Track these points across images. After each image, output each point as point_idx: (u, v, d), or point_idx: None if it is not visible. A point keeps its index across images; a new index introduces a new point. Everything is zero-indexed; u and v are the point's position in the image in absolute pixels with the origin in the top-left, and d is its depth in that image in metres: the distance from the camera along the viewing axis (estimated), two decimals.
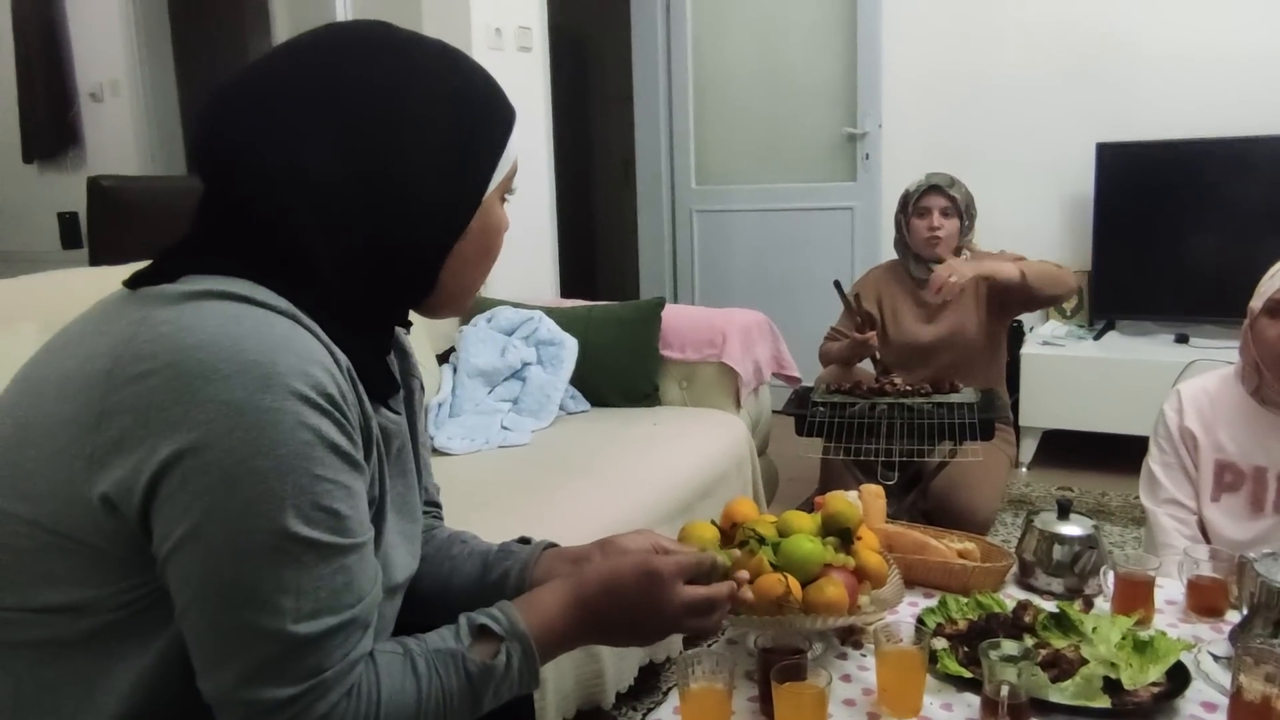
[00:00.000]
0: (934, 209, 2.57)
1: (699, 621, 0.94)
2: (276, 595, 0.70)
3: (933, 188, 2.58)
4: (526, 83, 3.35)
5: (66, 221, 4.31)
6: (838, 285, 2.62)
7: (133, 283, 0.77)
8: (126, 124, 4.34)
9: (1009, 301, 2.57)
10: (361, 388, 0.79)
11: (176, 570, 0.71)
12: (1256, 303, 1.66)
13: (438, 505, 1.16)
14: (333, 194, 0.77)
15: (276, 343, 0.71)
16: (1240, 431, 1.69)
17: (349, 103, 0.78)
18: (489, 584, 1.04)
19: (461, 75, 0.85)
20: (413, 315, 0.93)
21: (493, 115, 0.86)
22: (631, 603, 0.90)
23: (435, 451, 2.17)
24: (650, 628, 0.93)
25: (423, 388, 1.05)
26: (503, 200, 0.90)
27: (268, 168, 0.76)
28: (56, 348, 0.78)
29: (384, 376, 0.87)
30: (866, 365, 2.72)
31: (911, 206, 2.61)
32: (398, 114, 0.79)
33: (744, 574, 1.02)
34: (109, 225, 2.39)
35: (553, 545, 1.09)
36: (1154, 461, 1.80)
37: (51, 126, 4.53)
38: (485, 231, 0.87)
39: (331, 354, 0.75)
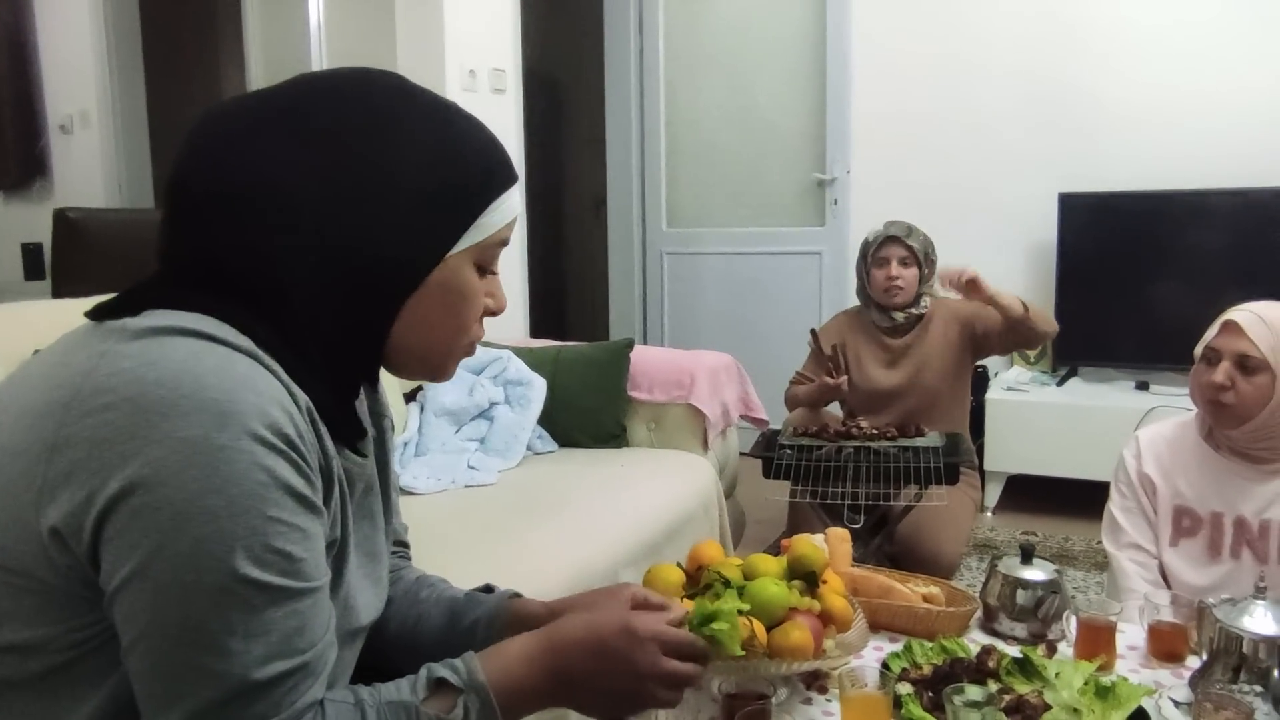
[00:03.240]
0: (892, 259, 2.60)
1: (668, 694, 0.89)
2: (224, 637, 0.68)
3: (890, 238, 2.60)
4: (500, 124, 3.37)
5: (30, 252, 4.26)
6: (814, 334, 2.66)
7: (96, 314, 0.76)
8: (95, 156, 4.31)
9: (989, 342, 2.59)
10: (324, 429, 0.78)
11: (123, 607, 0.69)
12: (1198, 350, 1.70)
13: (406, 545, 1.14)
14: (298, 226, 0.76)
15: (237, 381, 0.70)
16: (1197, 477, 1.72)
17: (325, 133, 0.78)
18: (458, 633, 1.02)
19: (452, 131, 0.82)
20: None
21: (474, 176, 0.83)
22: (606, 663, 0.86)
23: (401, 490, 2.15)
24: (621, 692, 0.87)
25: (393, 426, 1.04)
26: (484, 269, 0.86)
27: (239, 191, 0.76)
28: (18, 379, 0.77)
29: (350, 421, 0.85)
30: (834, 408, 2.74)
31: (870, 257, 2.64)
32: (371, 153, 0.78)
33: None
34: (73, 257, 2.36)
35: (517, 595, 1.08)
36: (1115, 506, 1.81)
37: (19, 157, 4.48)
38: (447, 293, 0.83)
39: (291, 394, 0.74)
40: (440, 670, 0.82)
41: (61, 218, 2.40)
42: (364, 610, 0.90)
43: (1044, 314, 2.54)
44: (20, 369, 0.79)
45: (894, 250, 2.60)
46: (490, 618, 1.03)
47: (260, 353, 0.73)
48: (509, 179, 0.85)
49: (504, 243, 0.86)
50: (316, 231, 0.77)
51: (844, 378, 2.53)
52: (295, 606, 0.72)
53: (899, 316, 2.64)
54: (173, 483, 0.67)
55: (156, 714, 0.70)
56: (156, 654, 0.69)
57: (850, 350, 2.68)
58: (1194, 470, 1.73)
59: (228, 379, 0.70)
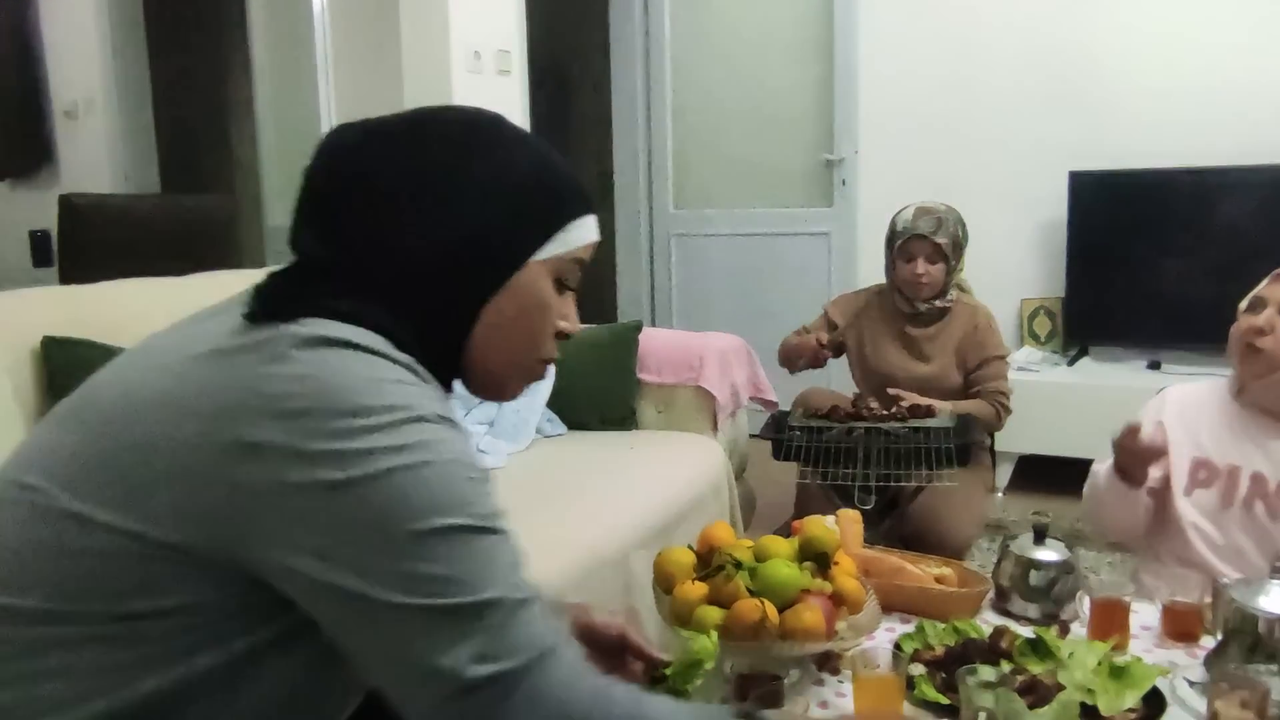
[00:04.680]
0: (918, 255, 2.51)
1: None
2: (479, 581, 0.74)
3: (917, 236, 2.49)
4: (505, 106, 3.35)
5: (38, 239, 4.26)
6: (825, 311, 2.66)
7: (251, 316, 0.79)
8: (101, 142, 4.30)
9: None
10: None
11: (351, 603, 0.73)
12: (1243, 303, 1.73)
13: None
14: (403, 222, 0.85)
15: (408, 385, 0.78)
16: (1221, 431, 1.73)
17: (432, 142, 0.88)
18: None
19: (541, 151, 0.92)
20: None
21: (558, 192, 0.92)
22: None
23: None
24: None
25: None
26: (561, 285, 0.92)
27: (356, 188, 0.85)
28: (152, 367, 0.79)
29: None
30: (844, 389, 2.73)
31: (897, 248, 2.55)
32: (470, 160, 0.87)
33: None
34: (80, 243, 2.36)
35: None
36: (1101, 459, 1.85)
37: (24, 144, 4.48)
38: (525, 298, 0.89)
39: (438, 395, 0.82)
40: (750, 710, 0.89)
41: (67, 204, 2.40)
42: None
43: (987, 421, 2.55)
44: (144, 356, 0.82)
45: (920, 247, 2.50)
46: None
47: (416, 364, 0.80)
48: (589, 206, 0.95)
49: (581, 263, 0.94)
50: (417, 228, 0.84)
51: (826, 354, 2.54)
52: (513, 543, 0.79)
53: (922, 307, 2.60)
54: (385, 478, 0.72)
55: (436, 661, 0.72)
56: (423, 620, 0.72)
57: (867, 332, 2.65)
58: (1218, 424, 1.74)
59: (401, 384, 0.77)
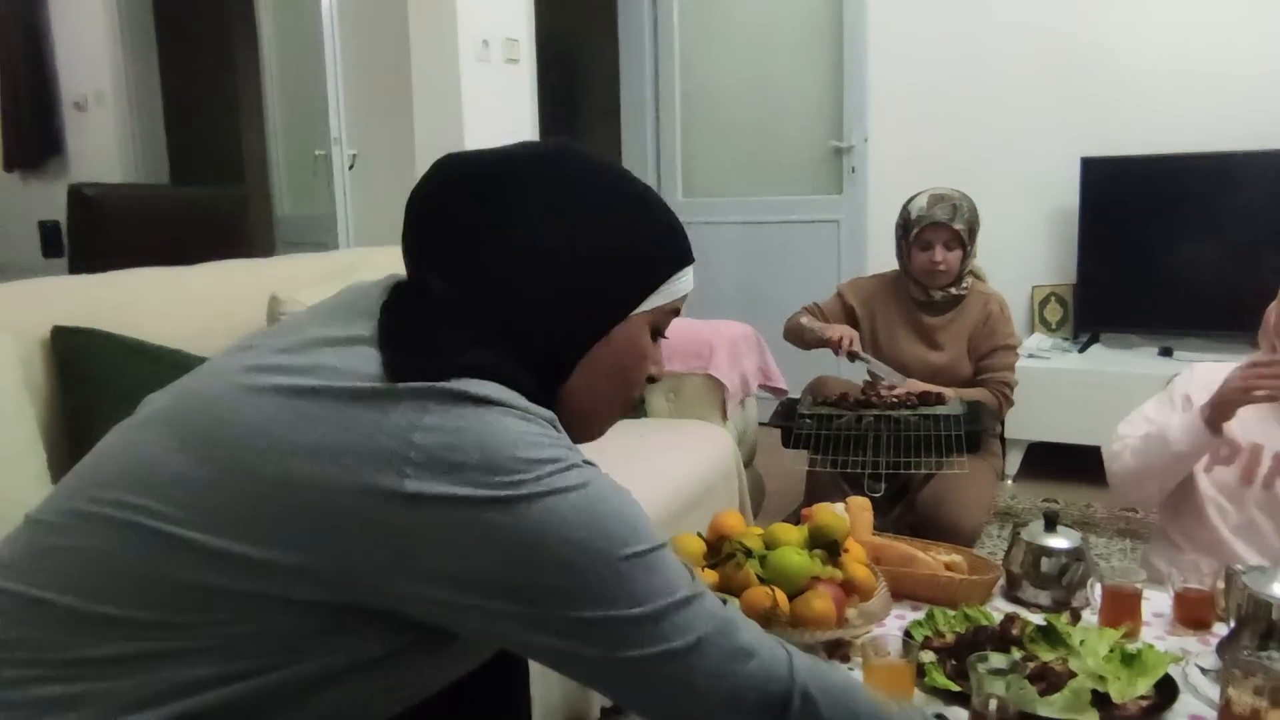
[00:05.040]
0: (936, 243, 2.48)
1: None
2: (655, 592, 0.79)
3: (935, 223, 2.47)
4: (514, 95, 3.35)
5: (48, 230, 4.28)
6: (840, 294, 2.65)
7: (394, 371, 0.79)
8: (110, 133, 4.32)
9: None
10: None
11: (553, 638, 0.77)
12: None
13: None
14: (521, 270, 0.86)
15: (560, 442, 0.80)
16: (1246, 412, 1.72)
17: (550, 191, 0.88)
18: None
19: (650, 204, 0.94)
20: None
21: (663, 246, 0.93)
22: None
23: None
24: None
25: None
26: (656, 333, 0.95)
27: (480, 230, 0.86)
28: (269, 392, 0.79)
29: None
30: (854, 376, 2.72)
31: (913, 237, 2.51)
32: (586, 214, 0.88)
33: None
34: (90, 233, 2.37)
35: None
36: (1145, 409, 1.85)
37: (35, 136, 4.50)
38: (626, 348, 0.91)
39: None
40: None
41: (77, 194, 2.41)
42: None
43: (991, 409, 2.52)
44: (252, 375, 0.81)
45: (937, 234, 2.48)
46: None
47: (553, 418, 0.82)
48: (689, 257, 0.96)
49: (676, 312, 0.96)
50: (539, 276, 0.86)
51: (844, 339, 2.49)
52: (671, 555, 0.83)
53: (938, 295, 2.58)
54: (561, 509, 0.76)
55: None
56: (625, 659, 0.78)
57: (880, 319, 2.64)
58: (1247, 406, 1.73)
59: (548, 437, 0.79)
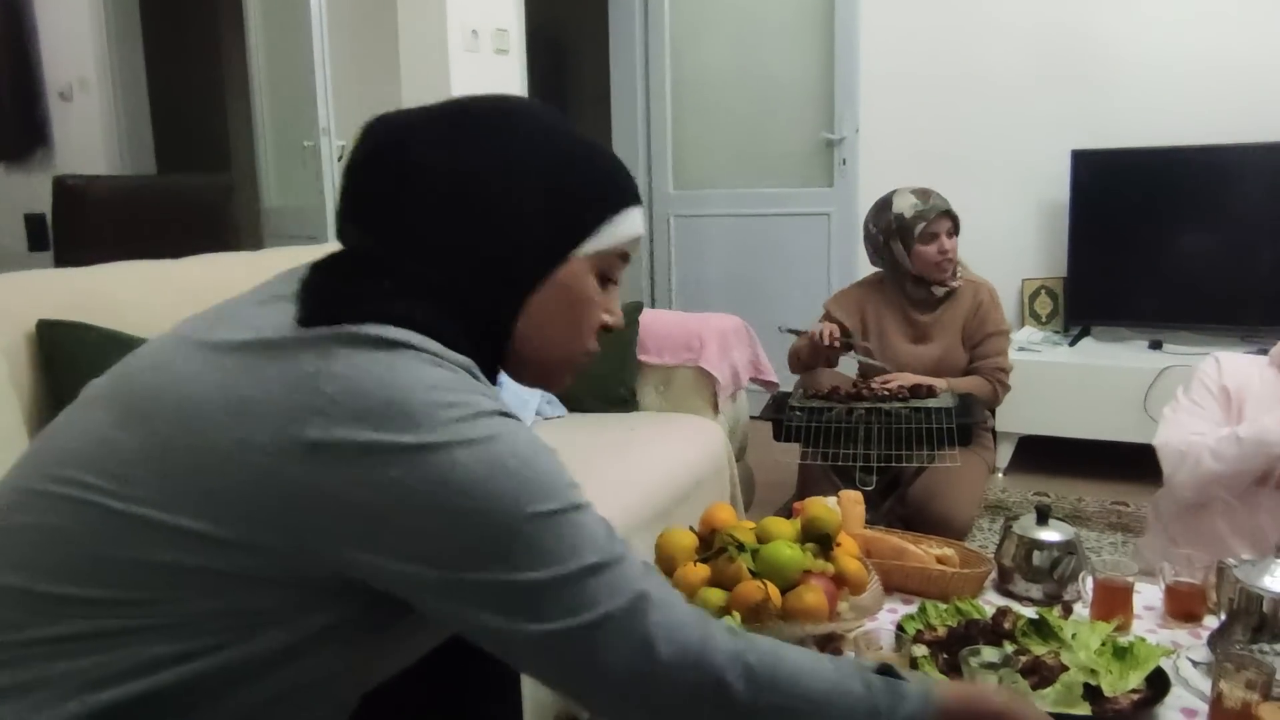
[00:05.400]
0: (941, 233, 2.50)
1: None
2: (565, 554, 0.75)
3: (942, 213, 2.50)
4: (504, 85, 3.32)
5: (34, 223, 4.24)
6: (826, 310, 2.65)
7: (306, 319, 0.78)
8: (95, 123, 4.27)
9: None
10: None
11: (454, 591, 0.74)
12: None
13: None
14: (447, 215, 0.84)
15: (467, 384, 0.78)
16: (1263, 411, 1.74)
17: (477, 132, 0.87)
18: None
19: (587, 144, 0.92)
20: None
21: (602, 185, 0.91)
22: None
23: None
24: None
25: None
26: (605, 279, 0.92)
27: (404, 179, 0.85)
28: (201, 357, 0.78)
29: None
30: (846, 369, 2.71)
31: (919, 234, 2.50)
32: (517, 152, 0.87)
33: None
34: (75, 225, 2.34)
35: None
36: (1182, 411, 1.84)
37: (19, 126, 4.45)
38: (568, 293, 0.89)
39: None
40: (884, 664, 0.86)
41: (61, 185, 2.38)
42: None
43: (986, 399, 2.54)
44: (188, 346, 0.80)
45: (943, 224, 2.50)
46: None
47: (470, 365, 0.80)
48: (634, 198, 0.93)
49: (625, 257, 0.93)
50: (462, 223, 0.84)
51: (836, 340, 2.50)
52: (596, 513, 0.79)
53: (940, 291, 2.58)
54: (467, 460, 0.73)
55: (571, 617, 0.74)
56: (527, 595, 0.74)
57: (872, 323, 2.63)
58: (1265, 403, 1.75)
59: (462, 384, 0.77)
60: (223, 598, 0.74)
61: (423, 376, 0.75)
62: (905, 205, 2.52)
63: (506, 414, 0.78)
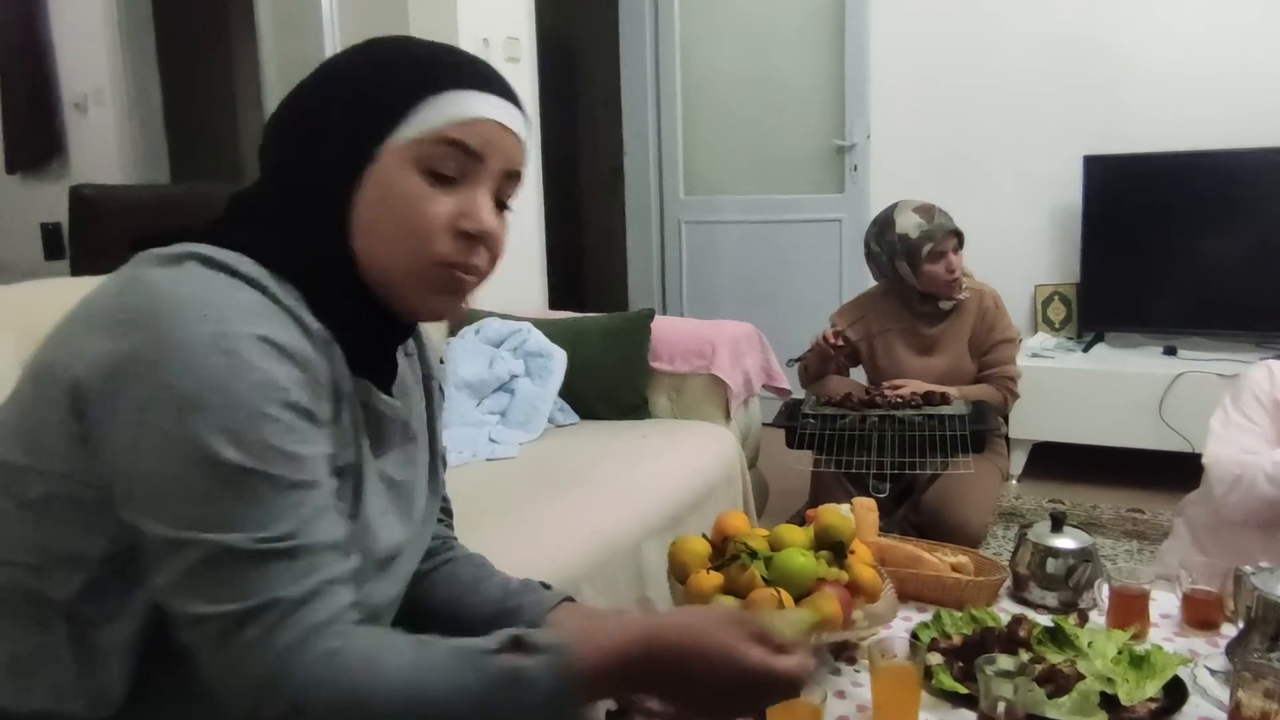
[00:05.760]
0: (948, 250, 2.49)
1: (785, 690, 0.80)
2: (233, 521, 0.71)
3: (949, 231, 2.48)
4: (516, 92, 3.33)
5: (49, 232, 4.27)
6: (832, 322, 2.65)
7: (134, 246, 0.81)
8: (110, 134, 4.30)
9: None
10: (339, 354, 0.82)
11: (131, 492, 0.73)
12: None
13: (448, 514, 1.15)
14: (276, 148, 0.86)
15: (237, 304, 0.75)
16: None
17: (320, 69, 0.87)
18: (505, 610, 1.02)
19: (401, 40, 0.87)
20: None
21: (402, 73, 0.82)
22: (707, 659, 0.77)
23: None
24: (727, 687, 0.77)
25: (442, 390, 1.07)
26: (435, 175, 0.81)
27: (269, 128, 0.86)
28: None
29: (373, 357, 0.89)
30: (859, 376, 2.71)
31: (927, 253, 2.47)
32: (334, 67, 0.85)
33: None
34: (91, 234, 2.36)
35: (570, 599, 1.06)
36: (1232, 426, 1.78)
37: (35, 137, 4.48)
38: (385, 192, 0.81)
39: (298, 319, 0.78)
40: (520, 630, 0.77)
41: (77, 195, 2.39)
42: (385, 538, 0.89)
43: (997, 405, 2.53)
44: None
45: (949, 242, 2.48)
46: (535, 607, 1.02)
47: (268, 284, 0.78)
48: (464, 81, 0.83)
49: (460, 145, 0.82)
50: (283, 142, 0.85)
51: (840, 344, 2.50)
52: (302, 496, 0.74)
53: (948, 305, 2.57)
54: (178, 383, 0.71)
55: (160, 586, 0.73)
56: (166, 530, 0.72)
57: (878, 338, 2.63)
58: None
59: (229, 301, 0.75)
60: (79, 534, 0.77)
61: (200, 289, 0.74)
62: (909, 225, 2.49)
63: (269, 340, 0.74)
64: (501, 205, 0.88)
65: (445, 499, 1.12)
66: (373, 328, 0.87)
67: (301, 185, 0.83)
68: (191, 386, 0.70)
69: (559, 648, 0.75)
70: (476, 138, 0.83)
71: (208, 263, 0.76)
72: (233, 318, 0.73)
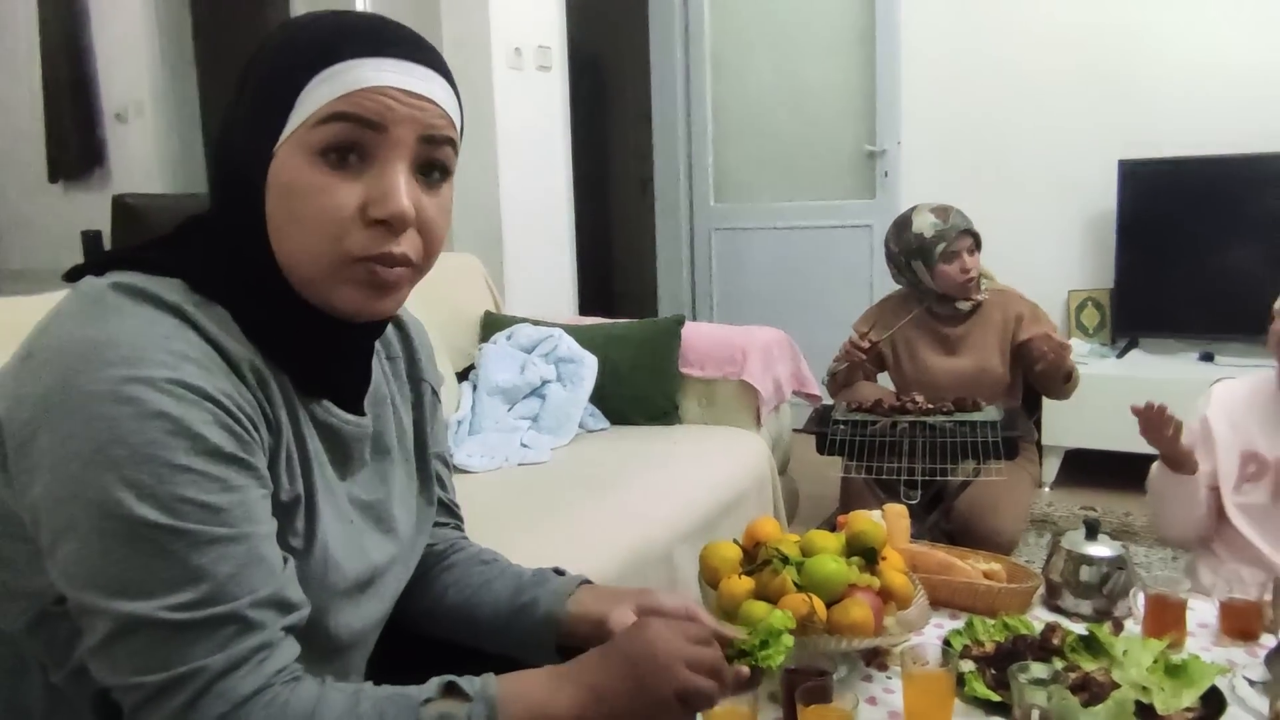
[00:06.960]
0: (962, 251, 2.49)
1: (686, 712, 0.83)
2: (147, 582, 0.68)
3: (964, 231, 2.49)
4: (546, 101, 3.37)
5: (90, 239, 4.35)
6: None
7: (69, 276, 0.79)
8: (151, 144, 4.38)
9: (1024, 364, 2.54)
10: (274, 384, 0.78)
11: (50, 550, 0.70)
12: (1277, 303, 1.70)
13: (456, 516, 1.12)
14: (212, 164, 0.83)
15: (152, 340, 0.71)
16: (1270, 425, 1.73)
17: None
18: (519, 606, 1.00)
19: (281, 29, 0.80)
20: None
21: (285, 58, 0.76)
22: (632, 684, 0.80)
23: (455, 469, 2.17)
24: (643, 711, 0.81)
25: (435, 393, 1.03)
26: (337, 157, 0.74)
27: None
28: None
29: (324, 376, 0.84)
30: (888, 382, 2.70)
31: (940, 254, 2.48)
32: (247, 71, 0.80)
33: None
34: (131, 242, 2.40)
35: (588, 581, 1.04)
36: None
37: (78, 148, 4.58)
38: (280, 190, 0.75)
39: (224, 352, 0.74)
40: (452, 677, 0.77)
41: (120, 204, 2.44)
42: (354, 564, 0.86)
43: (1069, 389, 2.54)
44: None
45: (964, 242, 2.49)
46: (552, 597, 1.00)
47: (192, 311, 0.74)
48: (344, 52, 0.75)
49: (342, 117, 0.74)
50: (210, 157, 0.83)
51: (863, 347, 2.49)
52: (223, 551, 0.70)
53: (966, 306, 2.57)
54: (81, 433, 0.67)
55: (94, 651, 0.70)
56: (81, 596, 0.69)
57: (901, 341, 2.62)
58: (1269, 418, 1.73)
59: (142, 341, 0.70)
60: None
61: (99, 331, 0.70)
62: (925, 225, 2.50)
63: (182, 384, 0.69)
64: (444, 174, 0.80)
65: (453, 504, 1.10)
66: (319, 341, 0.82)
67: (223, 199, 0.79)
68: (95, 438, 0.67)
69: (490, 698, 0.76)
70: (369, 107, 0.74)
71: (131, 292, 0.73)
72: (141, 360, 0.69)
